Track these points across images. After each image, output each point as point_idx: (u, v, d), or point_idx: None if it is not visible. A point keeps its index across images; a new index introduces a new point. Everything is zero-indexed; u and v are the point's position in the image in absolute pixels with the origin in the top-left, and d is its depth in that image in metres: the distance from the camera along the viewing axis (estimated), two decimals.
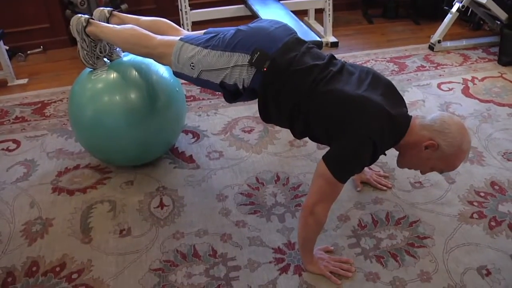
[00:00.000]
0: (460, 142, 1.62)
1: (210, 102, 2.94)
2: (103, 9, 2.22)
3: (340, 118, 1.60)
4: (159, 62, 2.00)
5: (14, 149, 2.55)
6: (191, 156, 2.45)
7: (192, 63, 1.79)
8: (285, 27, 1.84)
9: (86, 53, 2.12)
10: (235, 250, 1.91)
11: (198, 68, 1.79)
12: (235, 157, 2.45)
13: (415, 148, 1.67)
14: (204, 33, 1.93)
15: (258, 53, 1.68)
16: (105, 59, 2.20)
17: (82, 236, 1.99)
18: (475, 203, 2.12)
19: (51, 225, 2.04)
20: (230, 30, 1.83)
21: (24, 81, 3.31)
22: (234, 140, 2.58)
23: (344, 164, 1.60)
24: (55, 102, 3.01)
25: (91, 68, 2.17)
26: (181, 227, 2.02)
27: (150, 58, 2.00)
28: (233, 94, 1.82)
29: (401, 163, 1.80)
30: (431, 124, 1.64)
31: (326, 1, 3.68)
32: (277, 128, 2.66)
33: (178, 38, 1.87)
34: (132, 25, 2.02)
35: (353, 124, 1.57)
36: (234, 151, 2.49)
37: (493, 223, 2.02)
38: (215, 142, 2.56)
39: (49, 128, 2.73)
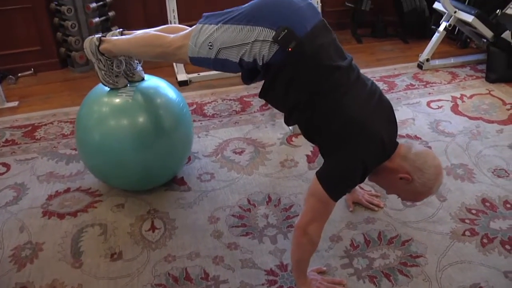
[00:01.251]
0: (432, 185, 1.67)
1: (201, 123, 2.94)
2: (114, 31, 2.16)
3: (341, 135, 1.61)
4: (173, 61, 1.95)
5: (3, 173, 2.53)
6: (182, 178, 2.44)
7: (210, 42, 1.67)
8: (312, 6, 1.71)
9: (104, 73, 2.08)
10: (227, 272, 1.89)
11: (216, 47, 1.66)
12: (227, 178, 2.44)
13: (390, 174, 1.69)
14: (224, 10, 1.78)
15: (286, 31, 1.56)
16: (125, 79, 2.16)
17: (72, 261, 1.96)
18: (467, 221, 2.13)
19: (41, 250, 2.02)
20: (251, 1, 1.71)
21: (14, 103, 3.30)
22: (225, 162, 2.57)
23: (337, 182, 1.62)
24: (45, 124, 3.00)
25: (112, 88, 2.13)
26: (172, 250, 2.01)
27: (164, 58, 1.93)
28: (251, 73, 1.71)
29: (371, 179, 1.81)
30: (414, 159, 1.66)
31: None
32: (268, 149, 2.67)
33: (197, 23, 1.76)
34: (143, 30, 1.99)
35: (351, 145, 1.59)
36: (226, 173, 2.48)
37: (485, 240, 2.02)
38: (206, 164, 2.56)
39: (40, 151, 2.71)
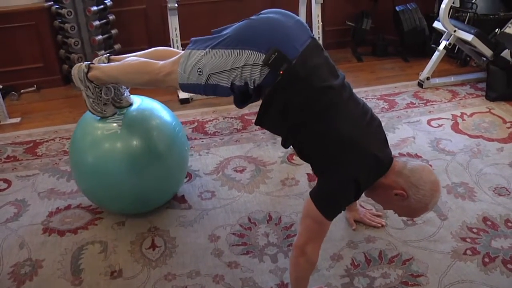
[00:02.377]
0: (428, 201, 1.65)
1: (202, 141, 2.95)
2: (101, 57, 2.16)
3: (334, 154, 1.61)
4: (163, 87, 1.92)
5: (4, 189, 2.54)
6: (183, 196, 2.44)
7: (199, 68, 1.65)
8: (301, 24, 1.70)
9: (93, 101, 2.05)
10: None
11: (206, 72, 1.64)
12: (227, 197, 2.44)
13: (386, 190, 1.68)
14: (212, 33, 1.76)
15: (276, 53, 1.53)
16: (113, 106, 2.13)
17: (72, 278, 1.96)
18: (468, 240, 2.12)
19: (41, 267, 2.02)
20: (239, 23, 1.68)
21: (16, 120, 3.32)
22: (226, 180, 2.57)
23: (331, 202, 1.62)
24: (47, 141, 3.01)
25: (100, 116, 2.10)
26: (173, 268, 2.00)
27: (154, 85, 1.90)
28: (243, 97, 1.69)
29: (367, 194, 1.80)
30: (409, 175, 1.65)
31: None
32: (269, 167, 2.67)
33: (186, 49, 1.74)
34: (131, 57, 1.98)
35: (343, 164, 1.59)
36: (226, 191, 2.48)
37: (486, 259, 2.01)
38: (207, 182, 2.56)
39: (41, 168, 2.72)
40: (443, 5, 3.42)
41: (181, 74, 1.70)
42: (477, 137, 2.95)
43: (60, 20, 3.61)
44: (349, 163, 1.59)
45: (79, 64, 2.04)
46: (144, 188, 2.14)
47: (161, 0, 3.84)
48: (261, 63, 1.55)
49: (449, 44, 3.60)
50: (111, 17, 3.74)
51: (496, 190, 2.45)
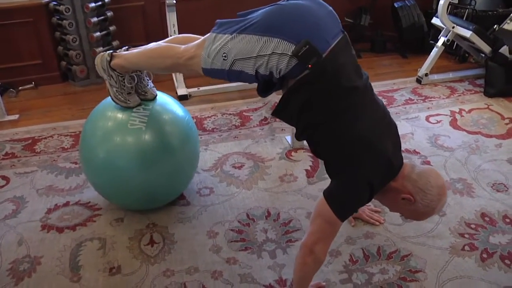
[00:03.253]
0: (435, 206, 1.65)
1: (200, 138, 2.95)
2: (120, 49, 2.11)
3: (350, 155, 1.60)
4: (185, 72, 1.85)
5: (3, 186, 2.54)
6: (182, 192, 2.44)
7: (224, 53, 1.59)
8: (334, 16, 1.64)
9: (116, 90, 2.03)
10: (226, 287, 1.88)
11: (231, 58, 1.58)
12: (226, 193, 2.44)
13: (393, 193, 1.69)
14: (238, 16, 1.70)
15: (307, 46, 1.47)
16: (138, 97, 2.10)
17: (71, 275, 1.96)
18: (466, 235, 2.12)
19: (39, 264, 2.02)
20: (267, 7, 1.61)
21: (15, 117, 3.31)
22: (224, 176, 2.57)
23: (345, 203, 1.61)
24: (45, 138, 3.00)
25: (123, 106, 2.07)
26: (171, 264, 2.00)
27: (176, 69, 1.87)
28: (266, 86, 1.66)
29: (375, 197, 1.80)
30: (416, 179, 1.65)
31: None
32: (267, 163, 2.67)
33: (210, 32, 1.68)
34: (154, 43, 1.95)
35: (360, 165, 1.58)
36: (225, 187, 2.48)
37: (484, 255, 2.02)
38: (205, 178, 2.56)
39: (39, 165, 2.71)
40: (441, 1, 3.42)
41: (204, 58, 1.66)
42: (476, 133, 2.96)
43: (58, 17, 3.60)
44: (365, 164, 1.58)
45: (101, 53, 2.03)
46: (156, 184, 2.13)
47: None
48: (290, 54, 1.50)
49: (448, 40, 3.60)
50: (109, 13, 3.73)
51: (494, 186, 2.45)
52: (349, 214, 1.67)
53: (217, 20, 1.70)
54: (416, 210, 1.67)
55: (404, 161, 1.74)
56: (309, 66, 1.51)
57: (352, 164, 1.59)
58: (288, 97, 1.61)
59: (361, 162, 1.58)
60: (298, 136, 1.73)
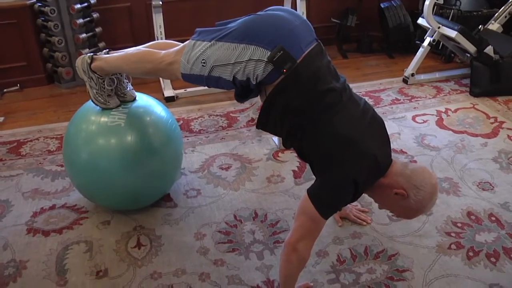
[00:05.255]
0: (426, 203, 1.67)
1: (187, 139, 2.94)
2: (100, 53, 2.15)
3: (333, 154, 1.61)
4: (164, 77, 1.91)
5: None
6: (168, 194, 2.43)
7: (203, 59, 1.65)
8: (307, 25, 1.71)
9: (96, 92, 2.06)
10: None
11: (210, 64, 1.64)
12: (213, 194, 2.44)
13: (385, 189, 1.69)
14: (217, 25, 1.76)
15: (281, 52, 1.54)
16: (118, 99, 2.14)
17: (57, 279, 1.94)
18: (453, 234, 2.14)
19: (25, 268, 2.00)
20: (245, 17, 1.69)
21: (0, 119, 3.28)
22: (211, 178, 2.57)
23: (328, 201, 1.62)
24: (31, 141, 2.98)
25: (103, 108, 2.10)
26: (158, 267, 1.99)
27: (156, 74, 1.91)
28: (244, 91, 1.69)
29: (366, 192, 1.81)
30: (411, 175, 1.66)
31: None
32: (254, 164, 2.67)
33: (190, 39, 1.74)
34: (133, 48, 1.98)
35: (343, 164, 1.59)
36: (212, 189, 2.48)
37: (471, 253, 2.03)
38: (192, 180, 2.55)
39: (25, 168, 2.69)
40: (427, 2, 3.44)
41: (184, 64, 1.71)
42: (462, 132, 2.98)
43: (43, 18, 3.56)
44: (348, 162, 1.59)
45: (82, 55, 2.06)
46: (139, 184, 2.13)
47: None
48: (265, 59, 1.55)
49: (434, 40, 3.62)
50: (95, 15, 3.71)
51: (480, 185, 2.47)
52: (332, 212, 1.68)
53: (197, 29, 1.76)
54: (407, 206, 1.68)
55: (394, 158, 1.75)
56: (284, 70, 1.56)
57: (335, 162, 1.60)
58: (268, 104, 1.65)
59: (344, 161, 1.59)
60: (284, 143, 1.77)
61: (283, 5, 3.85)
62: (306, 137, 1.64)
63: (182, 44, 1.79)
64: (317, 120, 1.61)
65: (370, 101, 3.38)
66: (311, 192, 1.62)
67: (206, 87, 1.86)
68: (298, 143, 1.70)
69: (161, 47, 1.91)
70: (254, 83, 1.61)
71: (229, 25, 1.69)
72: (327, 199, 1.61)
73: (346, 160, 1.59)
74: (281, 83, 1.59)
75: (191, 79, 1.73)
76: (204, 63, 1.66)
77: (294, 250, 1.63)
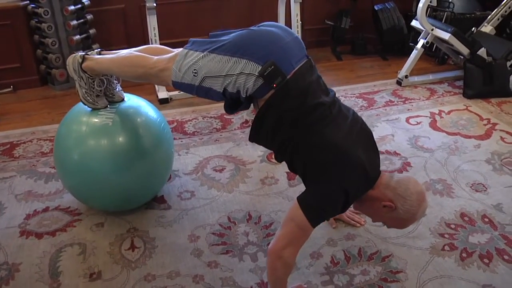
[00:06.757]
0: (415, 211, 1.68)
1: (181, 141, 2.94)
2: (92, 52, 2.15)
3: (323, 164, 1.62)
4: (155, 82, 1.93)
5: None
6: (162, 196, 2.42)
7: (194, 69, 1.68)
8: (299, 42, 1.75)
9: (85, 91, 2.07)
10: None
11: (201, 75, 1.67)
12: (207, 196, 2.43)
13: (374, 202, 1.71)
14: (210, 36, 1.80)
15: (272, 67, 1.57)
16: (106, 100, 2.15)
17: (50, 281, 1.93)
18: (446, 235, 2.15)
19: (18, 271, 1.99)
20: (238, 31, 1.72)
21: None
22: (205, 180, 2.57)
23: (318, 209, 1.62)
24: (24, 143, 2.96)
25: (91, 108, 2.12)
26: (152, 269, 1.99)
27: (147, 79, 1.92)
28: (234, 103, 1.72)
29: (356, 207, 1.85)
30: (396, 187, 1.68)
31: None
32: (248, 166, 2.67)
33: (182, 48, 1.77)
34: (127, 50, 1.99)
35: (333, 173, 1.61)
36: (206, 191, 2.48)
37: (464, 255, 2.04)
38: (186, 182, 2.55)
39: (18, 170, 2.68)
40: (420, 4, 3.45)
41: (175, 72, 1.73)
42: (455, 134, 2.99)
43: (36, 20, 3.55)
44: (338, 173, 1.60)
45: (74, 54, 2.06)
46: (129, 185, 2.14)
47: None
48: (256, 74, 1.59)
49: (427, 42, 3.64)
50: (89, 16, 3.69)
51: (474, 186, 2.48)
52: (321, 221, 1.68)
53: (190, 39, 1.78)
54: (397, 217, 1.69)
55: (382, 169, 1.76)
56: (274, 85, 1.59)
57: (326, 172, 1.62)
58: (260, 118, 1.68)
59: (334, 170, 1.61)
60: (276, 156, 1.80)
61: (277, 7, 3.87)
62: (297, 149, 1.66)
63: (174, 52, 1.80)
64: (307, 133, 1.63)
65: (364, 103, 3.39)
66: (301, 199, 1.62)
67: None
68: (290, 155, 1.72)
69: (154, 52, 1.93)
70: (244, 96, 1.64)
71: (222, 38, 1.71)
72: (317, 207, 1.62)
73: (337, 169, 1.61)
74: (271, 98, 1.62)
75: (182, 87, 1.75)
76: (195, 73, 1.68)
77: (279, 258, 1.62)
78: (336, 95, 1.78)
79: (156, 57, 1.83)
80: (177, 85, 1.76)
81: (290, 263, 1.66)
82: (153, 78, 1.90)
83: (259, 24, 1.77)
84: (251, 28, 1.73)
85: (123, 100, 2.21)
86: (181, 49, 1.77)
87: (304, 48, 1.76)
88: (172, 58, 1.76)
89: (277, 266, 1.64)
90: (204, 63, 1.66)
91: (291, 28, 3.80)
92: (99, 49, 2.14)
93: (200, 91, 1.72)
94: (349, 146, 1.63)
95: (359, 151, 1.65)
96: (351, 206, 1.81)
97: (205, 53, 1.67)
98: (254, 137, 1.76)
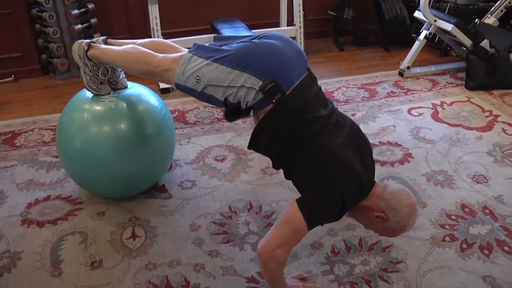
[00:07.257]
0: (406, 223, 1.69)
1: (183, 131, 2.94)
2: (98, 39, 2.17)
3: (321, 171, 1.64)
4: (158, 80, 1.95)
5: None
6: (163, 185, 2.43)
7: (197, 76, 1.71)
8: (301, 54, 1.79)
9: (89, 78, 2.09)
10: (208, 280, 1.89)
11: (204, 82, 1.70)
12: (208, 186, 2.44)
13: (367, 212, 1.72)
14: (214, 40, 1.87)
15: (273, 83, 1.62)
16: (109, 87, 2.18)
17: (52, 269, 1.94)
18: (447, 226, 2.15)
19: (20, 259, 1.99)
20: (242, 42, 1.76)
21: None
22: (207, 169, 2.57)
23: (316, 212, 1.63)
24: (26, 132, 2.97)
25: (94, 94, 2.14)
26: (153, 258, 1.99)
27: (150, 75, 1.94)
28: (234, 112, 1.75)
29: (350, 215, 1.87)
30: (389, 198, 1.69)
31: (297, 30, 3.75)
32: (250, 156, 2.67)
33: (187, 50, 1.80)
34: (133, 45, 1.99)
35: (331, 179, 1.62)
36: (207, 180, 2.48)
37: (464, 246, 2.05)
38: (187, 171, 2.55)
39: (20, 159, 2.68)
40: None
41: (178, 75, 1.76)
42: (457, 125, 2.99)
43: (37, 9, 3.54)
44: (336, 179, 1.62)
45: (80, 41, 2.07)
46: (131, 171, 2.15)
47: None
48: (257, 88, 1.63)
49: (430, 33, 3.62)
50: (91, 6, 3.69)
51: (475, 178, 2.48)
52: (317, 224, 1.68)
53: (195, 42, 1.82)
54: (388, 228, 1.71)
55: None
56: (273, 101, 1.64)
57: (323, 179, 1.63)
58: (259, 129, 1.73)
59: (332, 176, 1.62)
60: (274, 164, 1.82)
61: None
62: (295, 158, 1.69)
63: (179, 54, 1.83)
64: (305, 144, 1.66)
65: (366, 94, 3.39)
66: (301, 201, 1.62)
67: None
68: (287, 165, 1.74)
69: (158, 48, 1.96)
70: (244, 107, 1.69)
71: (226, 47, 1.74)
72: (316, 210, 1.63)
73: (334, 176, 1.62)
74: (271, 111, 1.67)
75: (184, 90, 1.79)
76: (198, 79, 1.72)
77: (272, 258, 1.61)
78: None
79: (160, 56, 1.85)
80: (179, 87, 1.80)
81: (281, 262, 1.65)
82: (156, 76, 1.93)
83: (262, 35, 1.79)
84: (254, 40, 1.76)
85: (126, 87, 2.23)
86: (186, 51, 1.80)
87: (306, 60, 1.80)
88: (177, 59, 1.78)
89: (270, 266, 1.63)
90: (207, 71, 1.70)
91: (292, 17, 3.80)
92: (105, 37, 2.15)
93: (202, 97, 1.76)
94: (345, 155, 1.66)
95: (354, 160, 1.67)
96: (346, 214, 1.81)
97: (208, 61, 1.71)
98: (253, 146, 1.80)
